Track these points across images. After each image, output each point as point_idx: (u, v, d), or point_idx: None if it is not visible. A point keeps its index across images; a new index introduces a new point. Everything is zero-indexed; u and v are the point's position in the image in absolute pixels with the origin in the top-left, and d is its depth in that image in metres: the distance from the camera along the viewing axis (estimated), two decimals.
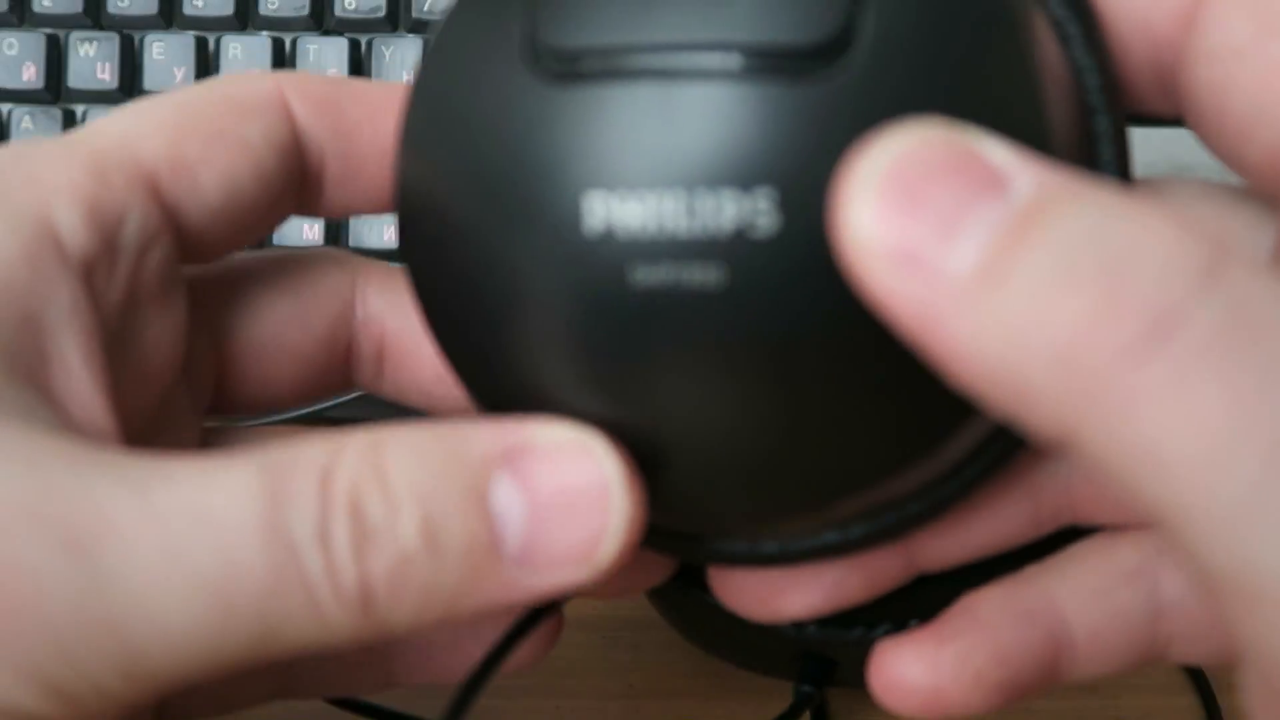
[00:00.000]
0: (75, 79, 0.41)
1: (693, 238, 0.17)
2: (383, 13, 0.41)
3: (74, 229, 0.20)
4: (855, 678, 0.30)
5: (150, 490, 0.17)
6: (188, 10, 0.41)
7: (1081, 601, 0.21)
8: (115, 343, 0.21)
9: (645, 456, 0.19)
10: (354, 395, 0.36)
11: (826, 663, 0.30)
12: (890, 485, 0.20)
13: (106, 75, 0.41)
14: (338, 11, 0.41)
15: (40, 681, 0.17)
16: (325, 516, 0.18)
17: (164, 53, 0.41)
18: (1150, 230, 0.14)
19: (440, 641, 0.25)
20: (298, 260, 0.25)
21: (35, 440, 0.18)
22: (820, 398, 0.18)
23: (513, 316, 0.19)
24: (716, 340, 0.18)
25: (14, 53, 0.41)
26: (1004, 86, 0.18)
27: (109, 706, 0.18)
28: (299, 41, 0.41)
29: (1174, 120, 0.20)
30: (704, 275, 0.17)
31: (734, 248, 0.17)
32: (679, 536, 0.22)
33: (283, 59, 0.41)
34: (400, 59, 0.41)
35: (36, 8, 0.42)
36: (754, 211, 0.17)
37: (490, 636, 0.22)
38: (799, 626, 0.28)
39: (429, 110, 0.20)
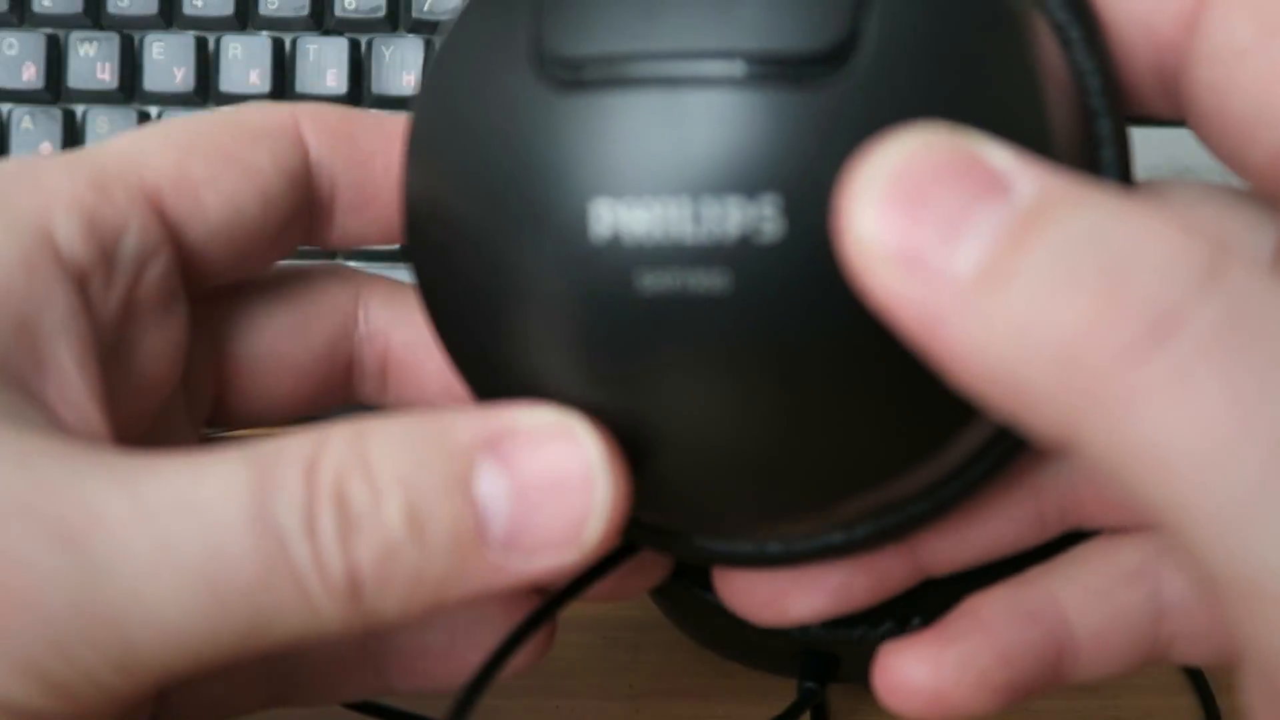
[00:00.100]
0: (75, 79, 0.41)
1: (698, 244, 0.17)
2: (383, 13, 0.41)
3: (72, 239, 0.20)
4: (857, 674, 0.30)
5: (139, 484, 0.18)
6: (188, 10, 0.41)
7: (1084, 602, 0.21)
8: (112, 353, 0.21)
9: (651, 458, 0.19)
10: (353, 409, 0.36)
11: (829, 660, 0.30)
12: (894, 487, 0.20)
13: (106, 75, 0.41)
14: (338, 11, 0.41)
15: (35, 675, 0.17)
16: (311, 506, 0.18)
17: (164, 53, 0.41)
18: (1151, 231, 0.15)
19: (436, 647, 0.25)
20: (299, 274, 0.25)
21: (26, 439, 0.18)
22: (824, 401, 0.18)
23: (519, 322, 0.19)
24: (722, 345, 0.18)
25: (14, 53, 0.41)
26: (1006, 91, 0.18)
27: (104, 700, 0.18)
28: (299, 41, 0.41)
29: (1176, 121, 0.20)
30: (709, 281, 0.17)
31: (739, 253, 0.17)
32: (684, 537, 0.22)
33: (283, 59, 0.41)
34: (400, 59, 0.41)
35: (36, 8, 0.42)
36: (759, 218, 0.17)
37: (486, 641, 0.22)
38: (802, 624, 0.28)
39: (435, 116, 0.20)
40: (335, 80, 0.41)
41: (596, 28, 0.18)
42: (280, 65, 0.41)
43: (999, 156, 0.15)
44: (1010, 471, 0.21)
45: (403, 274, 0.22)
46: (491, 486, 0.18)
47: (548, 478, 0.18)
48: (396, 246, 0.24)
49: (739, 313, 0.17)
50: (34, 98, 0.41)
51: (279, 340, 0.24)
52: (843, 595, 0.23)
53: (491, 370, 0.20)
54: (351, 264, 0.38)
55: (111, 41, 0.41)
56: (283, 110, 0.23)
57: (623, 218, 0.17)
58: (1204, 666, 0.32)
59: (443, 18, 0.41)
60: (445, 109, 0.20)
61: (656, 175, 0.17)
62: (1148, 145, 0.36)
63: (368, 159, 0.23)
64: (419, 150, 0.20)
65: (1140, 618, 0.21)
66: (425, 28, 0.41)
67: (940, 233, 0.15)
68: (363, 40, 0.41)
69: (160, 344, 0.22)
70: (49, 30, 0.42)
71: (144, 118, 0.41)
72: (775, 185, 0.17)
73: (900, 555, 0.23)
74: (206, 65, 0.41)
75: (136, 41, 0.42)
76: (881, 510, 0.21)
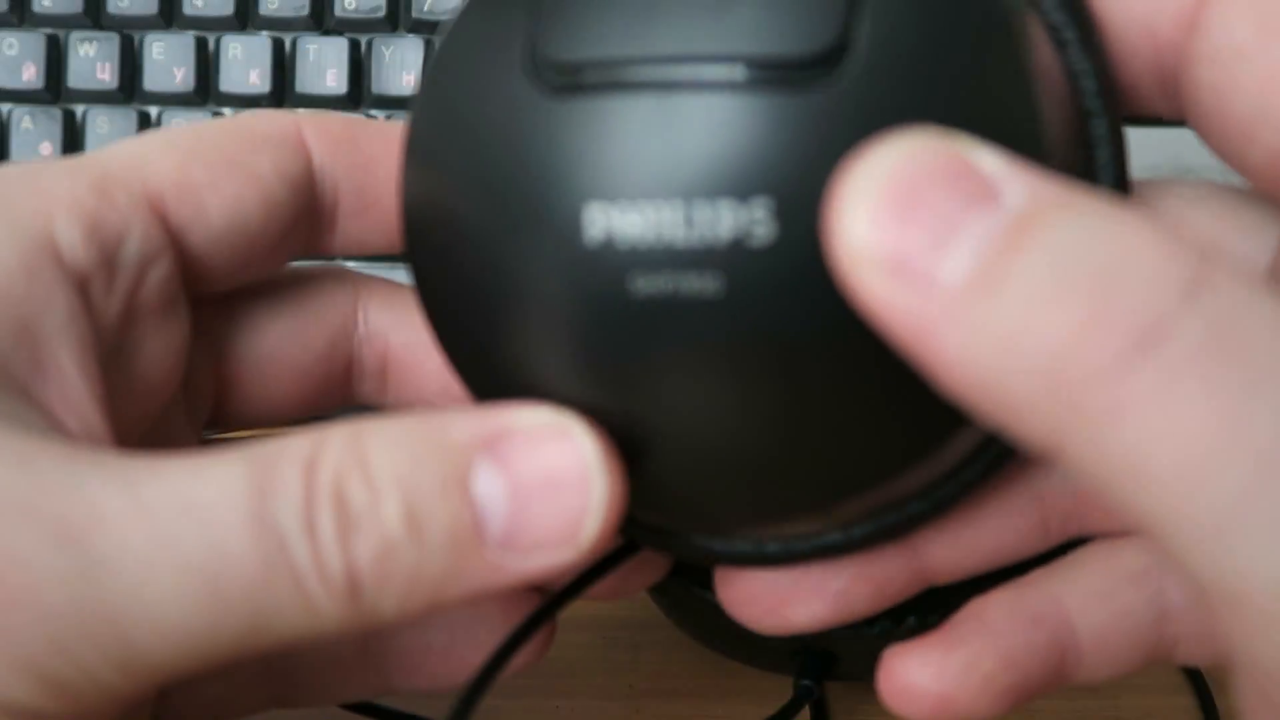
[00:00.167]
0: (75, 79, 0.41)
1: (690, 247, 0.17)
2: (383, 13, 0.41)
3: (73, 243, 0.20)
4: (854, 671, 0.30)
5: (139, 484, 0.18)
6: (188, 10, 0.41)
7: (1086, 605, 0.22)
8: (112, 356, 0.21)
9: (647, 458, 0.19)
10: (353, 410, 0.36)
11: (826, 657, 0.30)
12: (889, 487, 0.20)
13: (106, 75, 0.41)
14: (338, 11, 0.41)
15: (36, 674, 0.17)
16: (310, 506, 0.18)
17: (164, 53, 0.41)
18: (1137, 241, 0.15)
19: (436, 647, 0.25)
20: (298, 276, 0.25)
21: (26, 441, 0.18)
22: (817, 403, 0.18)
23: (516, 324, 0.19)
24: (714, 346, 0.18)
25: (14, 53, 0.41)
26: (998, 93, 0.18)
27: (105, 700, 0.18)
28: (299, 41, 0.41)
29: (1176, 121, 0.20)
30: (702, 284, 0.18)
31: (731, 257, 0.17)
32: (682, 536, 0.22)
33: (283, 59, 0.41)
34: (400, 59, 0.41)
35: (36, 8, 0.42)
36: (751, 221, 0.17)
37: (486, 640, 0.22)
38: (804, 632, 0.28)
39: (433, 119, 0.20)
40: (335, 80, 0.41)
41: (590, 33, 0.18)
42: (280, 65, 0.41)
43: (989, 162, 0.15)
44: (1007, 471, 0.21)
45: (401, 275, 0.22)
46: (489, 486, 0.18)
47: (544, 477, 0.19)
48: (396, 250, 0.24)
49: (731, 315, 0.18)
50: (34, 98, 0.41)
51: (279, 342, 0.24)
52: (845, 603, 0.23)
53: (489, 371, 0.20)
54: (350, 264, 0.38)
55: (111, 41, 0.41)
56: (285, 117, 0.23)
57: (616, 221, 0.18)
58: (1205, 667, 0.32)
59: (443, 18, 0.41)
60: (442, 112, 0.20)
61: (649, 179, 0.17)
62: (1148, 145, 0.36)
63: (370, 165, 0.23)
64: (417, 153, 0.20)
65: (1143, 619, 0.21)
66: (425, 28, 0.41)
67: (930, 239, 0.15)
68: (363, 40, 0.41)
69: (161, 348, 0.22)
70: (49, 30, 0.42)
71: (144, 118, 0.41)
72: (767, 189, 0.17)
73: (903, 562, 0.23)
74: (206, 65, 0.41)
75: (136, 41, 0.42)
76: (879, 510, 0.21)
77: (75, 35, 0.41)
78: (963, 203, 0.15)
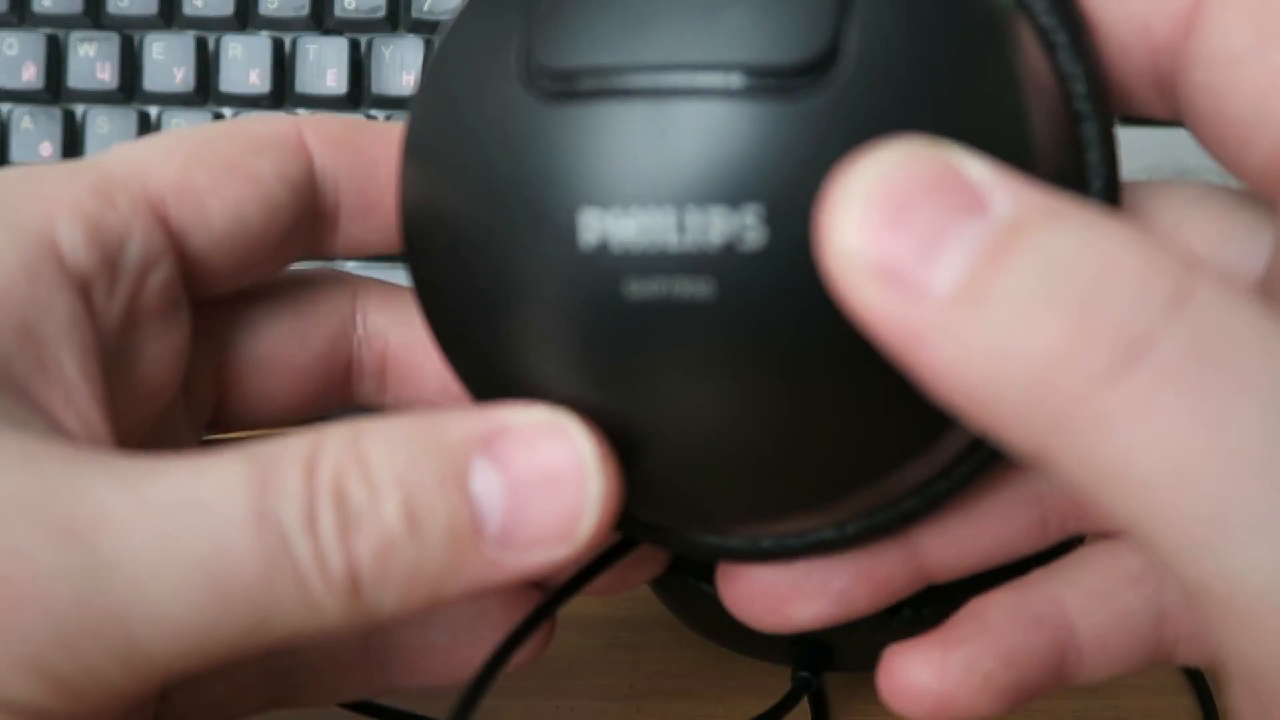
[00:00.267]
0: (75, 79, 0.41)
1: (683, 252, 0.18)
2: (383, 13, 0.41)
3: (75, 246, 0.20)
4: (851, 662, 0.30)
5: (141, 484, 0.18)
6: (188, 10, 0.41)
7: (1087, 605, 0.22)
8: (114, 359, 0.21)
9: (643, 457, 0.20)
10: (352, 410, 0.36)
11: (822, 648, 0.31)
12: (882, 485, 0.20)
13: (106, 75, 0.41)
14: (338, 11, 0.41)
15: (40, 672, 0.17)
16: (311, 504, 0.18)
17: (164, 53, 0.41)
18: (1124, 251, 0.15)
19: (437, 645, 0.25)
20: (297, 278, 0.25)
21: (29, 442, 0.18)
22: (808, 403, 0.19)
23: (512, 324, 0.19)
24: (707, 349, 0.18)
25: (14, 53, 0.41)
26: (987, 99, 0.18)
27: (109, 697, 0.18)
28: (299, 41, 0.41)
29: (1174, 121, 0.20)
30: (694, 288, 0.18)
31: (723, 261, 0.18)
32: (679, 532, 0.22)
33: (283, 59, 0.41)
34: (400, 59, 0.41)
35: (36, 8, 0.42)
36: (742, 227, 0.17)
37: (487, 638, 0.22)
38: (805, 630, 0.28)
39: (430, 123, 0.20)
40: (335, 80, 0.41)
41: (583, 40, 0.18)
42: (280, 65, 0.41)
43: (977, 171, 0.15)
44: (999, 469, 0.21)
45: (400, 277, 0.22)
46: (486, 483, 0.19)
47: (541, 474, 0.19)
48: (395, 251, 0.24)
49: (723, 318, 0.18)
50: (34, 98, 0.41)
51: (279, 344, 0.24)
52: (846, 601, 0.23)
53: (487, 371, 0.20)
54: (351, 265, 0.38)
55: (111, 41, 0.41)
56: (286, 119, 0.23)
57: (610, 227, 0.18)
58: (1205, 667, 0.32)
59: (443, 18, 0.41)
60: (439, 116, 0.20)
61: (642, 185, 0.18)
62: (1147, 146, 0.36)
63: (371, 167, 0.23)
64: (415, 156, 0.21)
65: (1143, 619, 0.22)
66: (425, 28, 0.41)
67: (919, 249, 0.15)
68: (363, 40, 0.41)
69: (162, 351, 0.22)
70: (49, 30, 0.42)
71: (144, 118, 0.42)
72: (758, 195, 0.17)
73: (903, 560, 0.23)
74: (206, 65, 0.41)
75: (136, 41, 0.42)
76: (873, 507, 0.21)
77: (75, 35, 0.41)
78: (951, 212, 0.15)
